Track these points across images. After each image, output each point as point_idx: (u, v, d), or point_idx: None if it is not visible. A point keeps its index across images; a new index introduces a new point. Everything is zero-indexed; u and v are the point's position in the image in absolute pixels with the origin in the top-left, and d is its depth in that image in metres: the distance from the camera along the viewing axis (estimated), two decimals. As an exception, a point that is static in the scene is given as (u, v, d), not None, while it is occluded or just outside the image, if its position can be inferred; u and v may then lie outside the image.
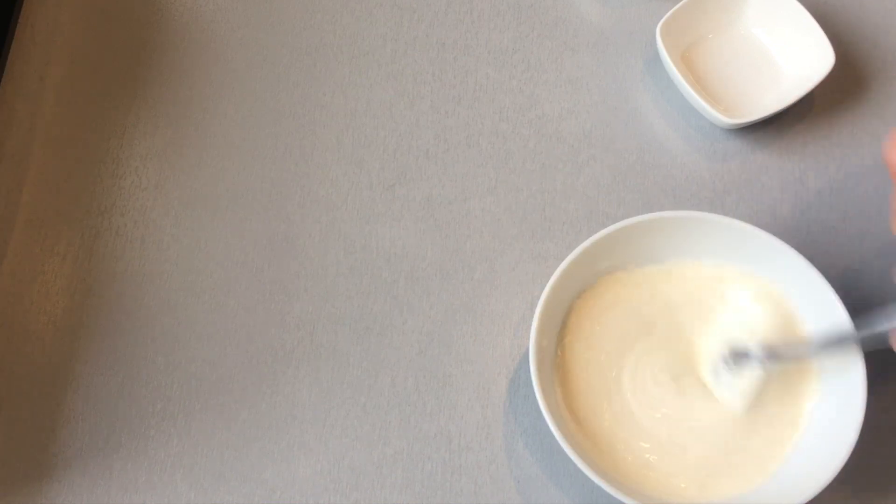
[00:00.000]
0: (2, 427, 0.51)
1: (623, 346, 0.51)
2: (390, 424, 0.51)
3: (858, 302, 0.49)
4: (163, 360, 0.53)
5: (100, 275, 0.55)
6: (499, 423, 0.51)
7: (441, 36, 0.61)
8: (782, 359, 0.49)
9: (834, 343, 0.48)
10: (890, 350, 0.44)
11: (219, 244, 0.56)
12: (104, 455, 0.51)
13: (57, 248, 0.55)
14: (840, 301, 0.48)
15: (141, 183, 0.57)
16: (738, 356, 0.49)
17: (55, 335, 0.53)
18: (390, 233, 0.56)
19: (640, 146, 0.58)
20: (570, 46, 0.61)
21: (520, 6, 0.62)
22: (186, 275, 0.55)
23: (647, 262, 0.52)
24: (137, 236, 0.56)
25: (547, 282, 0.49)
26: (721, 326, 0.51)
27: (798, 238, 0.55)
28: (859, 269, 0.54)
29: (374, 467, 0.51)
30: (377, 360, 0.53)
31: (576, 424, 0.49)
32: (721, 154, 0.58)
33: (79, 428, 0.51)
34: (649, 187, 0.57)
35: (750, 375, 0.49)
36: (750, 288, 0.52)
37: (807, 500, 0.45)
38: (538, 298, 0.49)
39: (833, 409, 0.48)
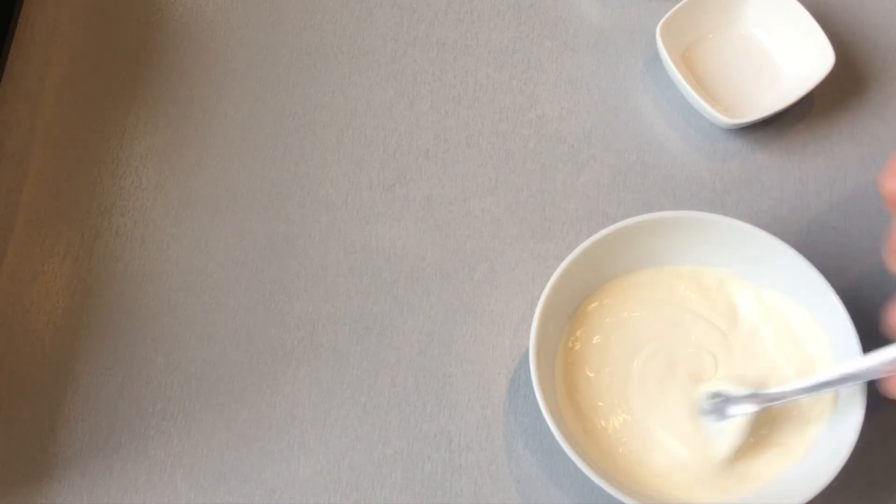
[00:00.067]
0: (2, 427, 0.51)
1: (623, 347, 0.51)
2: (390, 424, 0.52)
3: (859, 302, 0.49)
4: (163, 360, 0.53)
5: (100, 275, 0.55)
6: (499, 423, 0.51)
7: (441, 36, 0.61)
8: (767, 401, 0.48)
9: (823, 385, 0.46)
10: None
11: (219, 244, 0.56)
12: (104, 455, 0.51)
13: (57, 248, 0.55)
14: (840, 301, 0.48)
15: (141, 183, 0.57)
16: (718, 407, 0.48)
17: (55, 335, 0.53)
18: (390, 233, 0.56)
19: (640, 146, 0.58)
20: (570, 46, 0.61)
21: (520, 6, 0.62)
22: (186, 275, 0.55)
23: (647, 262, 0.52)
24: (137, 236, 0.56)
25: (547, 282, 0.49)
26: (720, 330, 0.51)
27: (798, 238, 0.55)
28: (859, 269, 0.54)
29: (374, 467, 0.51)
30: (377, 360, 0.53)
31: (576, 424, 0.49)
32: (721, 154, 0.58)
33: (79, 428, 0.51)
34: (649, 187, 0.57)
35: (734, 422, 0.48)
36: (750, 288, 0.52)
37: (807, 500, 0.45)
38: (538, 298, 0.49)
39: (833, 409, 0.48)
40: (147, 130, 0.59)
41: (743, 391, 0.48)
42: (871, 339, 0.46)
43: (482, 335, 0.53)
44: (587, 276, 0.51)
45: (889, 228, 0.43)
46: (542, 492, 0.50)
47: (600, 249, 0.50)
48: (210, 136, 0.58)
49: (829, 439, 0.48)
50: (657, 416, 0.49)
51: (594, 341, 0.51)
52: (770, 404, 0.47)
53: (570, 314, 0.52)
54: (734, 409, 0.48)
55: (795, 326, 0.51)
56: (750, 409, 0.48)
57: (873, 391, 0.47)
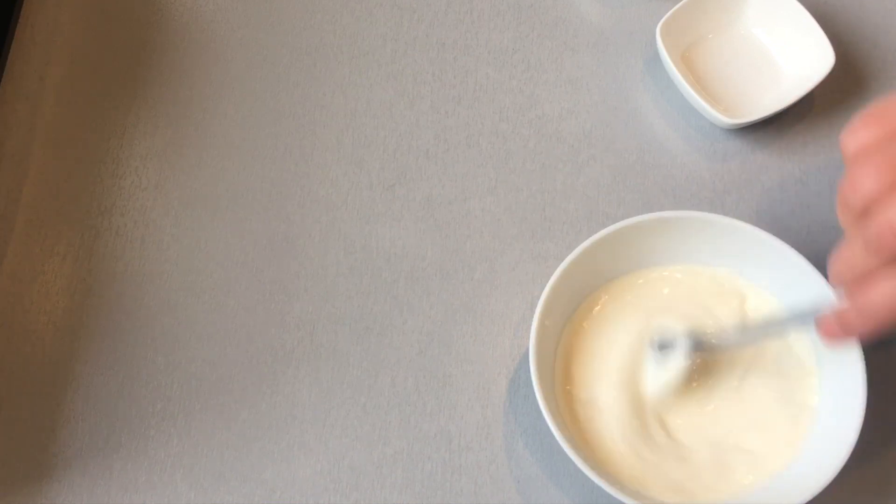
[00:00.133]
0: (2, 427, 0.51)
1: (623, 347, 0.51)
2: (390, 424, 0.52)
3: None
4: (163, 360, 0.53)
5: (100, 275, 0.55)
6: (499, 423, 0.51)
7: (441, 36, 0.61)
8: (711, 348, 0.49)
9: (765, 328, 0.48)
10: (890, 349, 0.44)
11: (219, 244, 0.56)
12: (104, 455, 0.51)
13: (57, 248, 0.55)
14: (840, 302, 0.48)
15: (141, 183, 0.57)
16: (663, 345, 0.49)
17: (55, 335, 0.53)
18: (390, 233, 0.56)
19: (640, 146, 0.58)
20: (570, 46, 0.61)
21: (520, 6, 0.62)
22: (186, 275, 0.55)
23: (647, 262, 0.52)
24: (137, 236, 0.56)
25: (547, 282, 0.49)
26: (719, 330, 0.51)
27: (798, 238, 0.55)
28: (859, 269, 0.54)
29: (374, 467, 0.51)
30: (377, 360, 0.53)
31: (575, 424, 0.49)
32: (721, 154, 0.58)
33: (79, 428, 0.51)
34: (649, 187, 0.57)
35: (674, 366, 0.49)
36: (749, 288, 0.52)
37: (807, 500, 0.45)
38: (538, 298, 0.49)
39: (833, 409, 0.48)
40: (147, 130, 0.59)
41: (684, 329, 0.49)
42: (871, 339, 0.46)
43: (482, 335, 0.53)
44: (587, 276, 0.52)
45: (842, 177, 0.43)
46: (542, 492, 0.50)
47: (600, 249, 0.50)
48: (210, 136, 0.58)
49: (828, 439, 0.48)
50: (656, 414, 0.49)
51: (594, 341, 0.51)
52: (708, 346, 0.49)
53: (570, 314, 0.52)
54: (676, 348, 0.49)
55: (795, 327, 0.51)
56: (686, 345, 0.49)
57: (873, 391, 0.47)
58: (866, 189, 0.38)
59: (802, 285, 0.50)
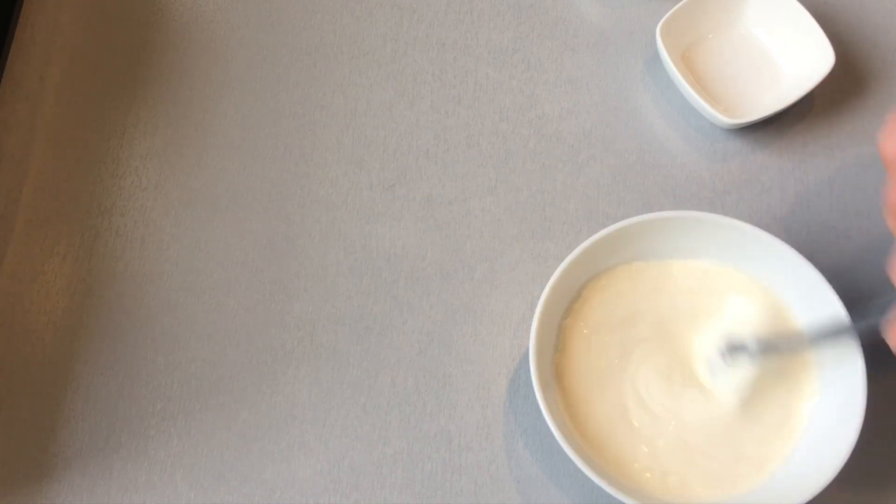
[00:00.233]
0: (2, 427, 0.51)
1: (623, 347, 0.51)
2: (390, 424, 0.52)
3: (859, 302, 0.49)
4: (163, 360, 0.53)
5: (100, 275, 0.55)
6: (499, 423, 0.51)
7: (441, 36, 0.61)
8: (778, 351, 0.49)
9: (829, 334, 0.48)
10: (888, 347, 0.44)
11: (219, 244, 0.56)
12: (104, 455, 0.51)
13: (57, 248, 0.55)
14: (840, 302, 0.48)
15: (141, 183, 0.57)
16: (733, 349, 0.49)
17: (55, 335, 0.53)
18: (390, 233, 0.56)
19: (640, 146, 0.58)
20: (570, 46, 0.61)
21: (520, 6, 0.62)
22: (186, 275, 0.55)
23: (647, 263, 0.52)
24: (137, 236, 0.56)
25: (547, 282, 0.49)
26: (719, 328, 0.51)
27: (798, 238, 0.55)
28: (859, 269, 0.54)
29: (374, 467, 0.51)
30: (377, 360, 0.53)
31: (575, 424, 0.49)
32: (721, 154, 0.58)
33: (79, 428, 0.51)
34: (649, 187, 0.57)
35: (745, 369, 0.49)
36: (749, 288, 0.52)
37: (807, 500, 0.45)
38: (538, 298, 0.49)
39: (833, 409, 0.48)
40: (147, 130, 0.59)
41: (754, 337, 0.49)
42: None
43: (482, 335, 0.53)
44: (588, 277, 0.51)
45: (885, 183, 0.43)
46: (542, 492, 0.50)
47: (600, 249, 0.50)
48: (210, 136, 0.58)
49: (829, 439, 0.48)
50: (656, 413, 0.49)
51: (594, 341, 0.51)
52: (772, 349, 0.48)
53: (569, 314, 0.52)
54: (740, 358, 0.49)
55: (792, 325, 0.51)
56: (762, 355, 0.48)
57: (873, 391, 0.47)
58: None
59: (802, 285, 0.50)
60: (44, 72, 0.60)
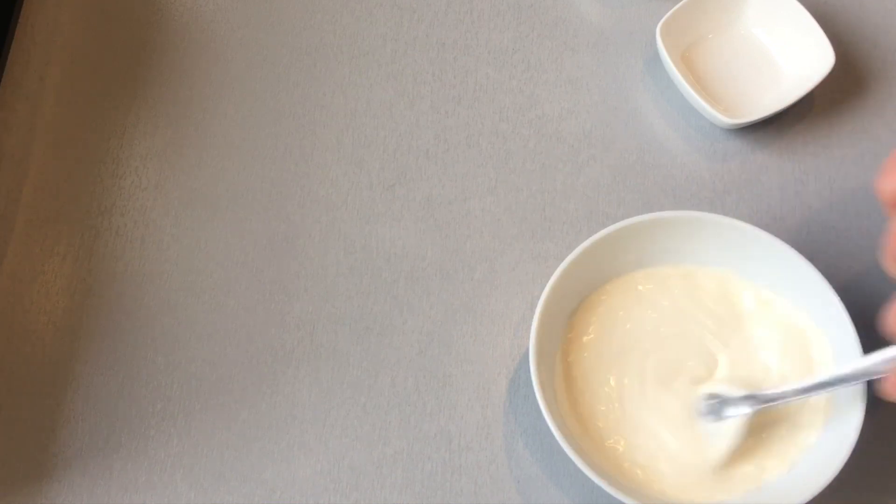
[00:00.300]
0: (2, 427, 0.51)
1: (624, 347, 0.51)
2: (390, 424, 0.52)
3: (859, 302, 0.49)
4: (163, 360, 0.53)
5: (100, 275, 0.55)
6: (499, 423, 0.51)
7: (441, 36, 0.61)
8: (764, 402, 0.48)
9: (822, 386, 0.46)
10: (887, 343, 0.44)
11: (219, 244, 0.56)
12: (104, 455, 0.51)
13: (57, 248, 0.55)
14: (841, 302, 0.48)
15: (141, 183, 0.57)
16: (715, 408, 0.48)
17: (55, 335, 0.53)
18: (390, 233, 0.56)
19: (640, 146, 0.58)
20: (570, 46, 0.61)
21: (520, 6, 0.62)
22: (186, 275, 0.55)
23: (647, 262, 0.52)
24: (137, 236, 0.56)
25: (547, 282, 0.49)
26: (719, 331, 0.51)
27: (798, 238, 0.55)
28: (859, 269, 0.54)
29: (374, 467, 0.51)
30: (377, 360, 0.53)
31: (576, 424, 0.49)
32: (721, 154, 0.58)
33: (79, 428, 0.51)
34: (649, 187, 0.57)
35: (731, 423, 0.48)
36: (749, 289, 0.52)
37: (807, 501, 0.45)
38: (538, 298, 0.49)
39: (833, 408, 0.48)
40: (147, 130, 0.59)
41: (740, 392, 0.48)
42: (871, 339, 0.46)
43: (482, 335, 0.53)
44: (588, 277, 0.51)
45: (885, 229, 0.43)
46: (542, 492, 0.50)
47: (600, 249, 0.50)
48: (210, 136, 0.58)
49: (828, 440, 0.48)
50: (656, 417, 0.49)
51: (594, 341, 0.51)
52: (767, 405, 0.47)
53: (570, 314, 0.52)
54: (731, 411, 0.48)
55: (794, 327, 0.51)
56: (746, 410, 0.47)
57: (873, 391, 0.47)
58: None
59: (802, 285, 0.50)
60: (44, 72, 0.60)
